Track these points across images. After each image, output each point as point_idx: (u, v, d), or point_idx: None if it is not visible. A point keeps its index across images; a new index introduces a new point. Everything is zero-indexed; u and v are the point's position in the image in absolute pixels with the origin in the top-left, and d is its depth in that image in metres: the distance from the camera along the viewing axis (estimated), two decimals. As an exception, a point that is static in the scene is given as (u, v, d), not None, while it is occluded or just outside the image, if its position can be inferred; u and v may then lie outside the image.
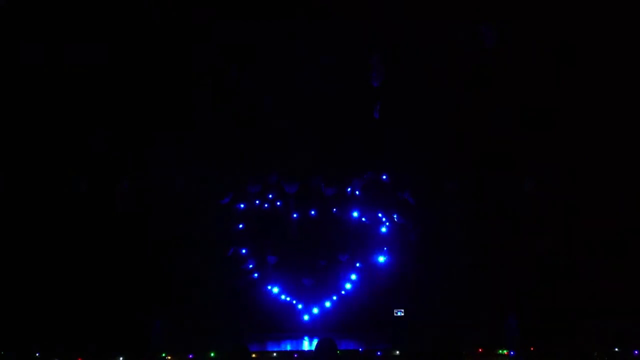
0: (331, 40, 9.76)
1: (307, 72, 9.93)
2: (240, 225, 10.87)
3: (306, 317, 10.63)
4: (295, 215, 11.01)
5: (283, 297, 10.69)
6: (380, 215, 10.99)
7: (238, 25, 9.61)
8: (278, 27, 9.59)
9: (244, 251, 10.82)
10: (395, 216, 10.72)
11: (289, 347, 9.52)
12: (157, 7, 9.46)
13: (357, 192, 11.08)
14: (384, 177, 10.90)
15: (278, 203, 11.06)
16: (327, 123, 10.34)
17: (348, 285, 10.71)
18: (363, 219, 11.05)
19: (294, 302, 10.69)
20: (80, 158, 9.83)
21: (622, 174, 9.77)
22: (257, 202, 11.05)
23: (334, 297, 10.67)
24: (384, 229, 10.94)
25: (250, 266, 10.75)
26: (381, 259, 10.75)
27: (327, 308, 10.69)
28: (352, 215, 11.04)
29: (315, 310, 10.60)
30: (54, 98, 9.64)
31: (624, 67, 9.68)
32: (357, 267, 10.81)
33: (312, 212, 11.01)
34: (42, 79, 9.54)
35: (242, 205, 10.90)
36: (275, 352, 8.81)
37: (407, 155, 10.46)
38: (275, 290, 10.67)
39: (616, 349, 8.33)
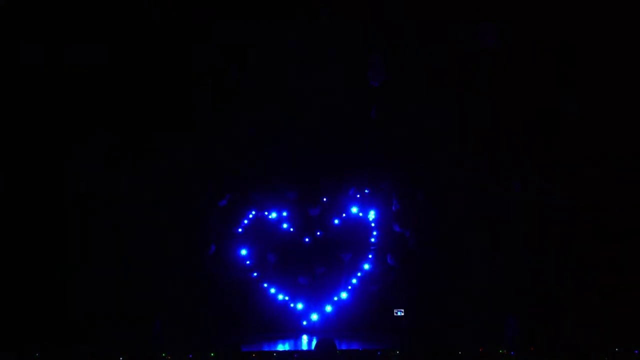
0: (331, 40, 9.77)
1: (307, 72, 9.94)
2: (240, 230, 10.87)
3: (312, 318, 10.60)
4: (294, 220, 11.03)
5: (281, 296, 10.66)
6: (375, 220, 11.00)
7: (238, 25, 9.61)
8: (278, 27, 9.59)
9: (244, 251, 10.82)
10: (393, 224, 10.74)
11: (287, 347, 9.52)
12: (157, 7, 9.46)
13: (357, 196, 11.09)
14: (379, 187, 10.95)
15: (278, 206, 11.07)
16: (326, 124, 10.35)
17: (351, 285, 10.69)
18: (361, 216, 11.06)
19: (292, 304, 10.66)
20: (80, 158, 9.83)
21: (623, 174, 9.75)
22: (258, 206, 11.06)
23: (335, 299, 10.64)
24: (374, 235, 10.95)
25: (248, 262, 10.75)
26: (369, 264, 10.76)
27: (327, 307, 10.66)
28: (351, 218, 11.05)
29: (315, 317, 10.58)
30: (53, 98, 9.64)
31: (626, 67, 9.65)
32: (358, 268, 10.79)
33: (312, 214, 11.01)
34: (42, 79, 9.53)
35: (250, 213, 10.93)
36: (275, 352, 8.81)
37: (405, 156, 10.47)
38: (272, 290, 10.65)
39: (616, 349, 8.32)
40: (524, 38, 9.77)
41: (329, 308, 10.57)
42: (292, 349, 9.24)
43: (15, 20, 9.36)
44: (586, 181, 9.78)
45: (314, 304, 10.62)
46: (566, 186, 9.91)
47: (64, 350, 8.63)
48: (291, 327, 10.48)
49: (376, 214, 11.00)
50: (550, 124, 9.94)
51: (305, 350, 9.00)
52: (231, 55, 9.85)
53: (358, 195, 11.12)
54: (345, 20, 9.60)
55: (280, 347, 9.46)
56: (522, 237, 9.97)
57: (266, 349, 9.20)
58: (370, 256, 10.78)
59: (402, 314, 10.25)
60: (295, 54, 9.88)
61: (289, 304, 10.64)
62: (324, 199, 11.02)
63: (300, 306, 10.61)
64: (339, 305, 10.61)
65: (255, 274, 10.67)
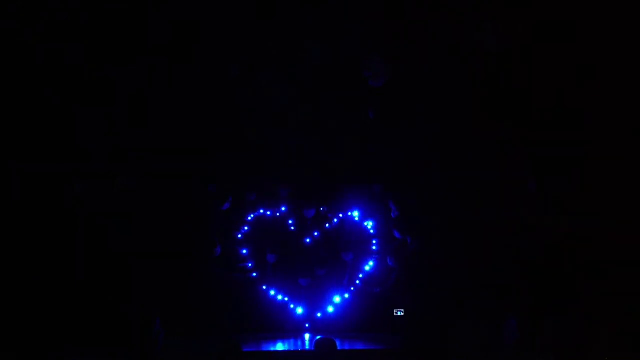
0: (330, 39, 9.77)
1: (305, 71, 9.95)
2: (240, 236, 10.88)
3: (314, 318, 10.60)
4: (294, 221, 11.02)
5: (280, 297, 10.64)
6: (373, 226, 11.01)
7: (234, 25, 9.62)
8: (277, 26, 9.60)
9: (245, 251, 10.81)
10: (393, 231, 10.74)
11: (287, 347, 9.51)
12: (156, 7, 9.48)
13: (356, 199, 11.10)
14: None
15: (279, 208, 11.07)
16: (325, 124, 10.36)
17: (353, 286, 10.68)
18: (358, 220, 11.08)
19: (292, 305, 10.64)
20: (79, 159, 9.85)
21: (623, 176, 9.71)
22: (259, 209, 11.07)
23: (337, 300, 10.61)
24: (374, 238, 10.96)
25: (250, 265, 10.74)
26: (372, 263, 10.76)
27: (329, 307, 10.64)
28: (350, 220, 11.06)
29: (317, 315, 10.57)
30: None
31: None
32: (359, 269, 10.78)
33: (311, 215, 11.01)
34: (42, 78, 9.55)
35: (250, 217, 10.95)
36: (273, 351, 8.81)
37: (404, 158, 10.46)
38: (272, 292, 10.63)
39: (618, 350, 8.30)
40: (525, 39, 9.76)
41: (330, 308, 10.54)
42: (293, 349, 9.24)
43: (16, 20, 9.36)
44: (588, 182, 9.77)
45: (315, 304, 10.60)
46: (568, 187, 9.90)
47: (62, 351, 8.63)
48: (292, 327, 10.45)
49: (376, 219, 10.98)
50: (552, 126, 9.94)
51: (306, 350, 9.00)
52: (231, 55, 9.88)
53: (357, 199, 11.12)
54: (344, 20, 9.63)
55: (280, 347, 9.45)
56: (522, 237, 9.97)
57: (266, 349, 9.19)
58: (372, 263, 10.77)
59: (402, 314, 10.23)
60: (292, 54, 9.90)
61: (290, 304, 10.61)
62: (323, 200, 11.03)
63: (299, 309, 10.57)
64: (339, 306, 10.59)
65: (255, 275, 10.66)
